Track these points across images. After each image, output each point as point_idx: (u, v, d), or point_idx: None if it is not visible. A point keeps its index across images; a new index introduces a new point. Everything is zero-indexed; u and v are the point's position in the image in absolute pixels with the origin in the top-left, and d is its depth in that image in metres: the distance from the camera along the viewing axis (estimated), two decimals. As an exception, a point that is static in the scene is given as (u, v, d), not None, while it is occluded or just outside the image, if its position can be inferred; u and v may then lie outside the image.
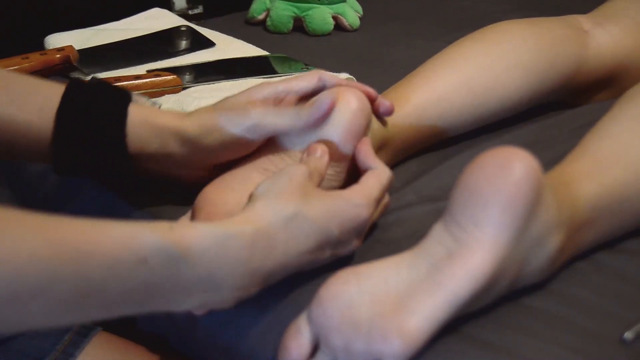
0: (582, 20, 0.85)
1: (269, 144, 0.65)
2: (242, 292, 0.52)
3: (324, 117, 0.62)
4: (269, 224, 0.53)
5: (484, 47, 0.79)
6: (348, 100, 0.63)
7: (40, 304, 0.42)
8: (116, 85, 0.68)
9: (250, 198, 0.56)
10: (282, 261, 0.53)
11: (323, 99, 0.62)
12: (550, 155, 0.66)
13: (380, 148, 0.69)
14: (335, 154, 0.62)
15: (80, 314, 0.46)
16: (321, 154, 0.61)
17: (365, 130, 0.65)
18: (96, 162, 0.62)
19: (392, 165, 0.74)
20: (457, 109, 0.76)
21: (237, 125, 0.62)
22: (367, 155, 0.63)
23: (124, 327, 0.72)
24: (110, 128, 0.61)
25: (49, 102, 0.60)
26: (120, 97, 0.63)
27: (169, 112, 0.64)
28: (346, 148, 0.63)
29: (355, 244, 0.59)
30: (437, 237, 0.53)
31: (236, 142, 0.63)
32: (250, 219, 0.53)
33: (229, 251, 0.50)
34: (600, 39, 0.83)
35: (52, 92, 0.61)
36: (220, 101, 0.64)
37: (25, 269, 0.41)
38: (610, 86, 0.86)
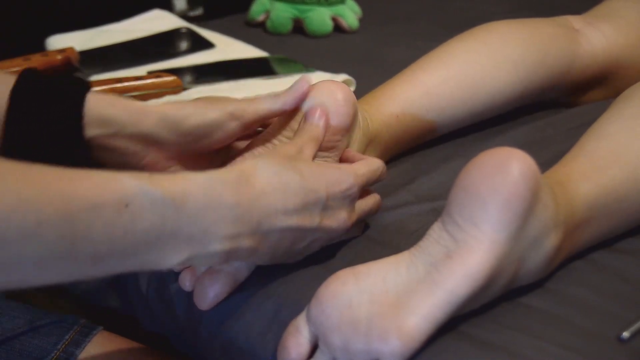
0: (573, 20, 0.85)
1: (262, 137, 0.65)
2: (231, 244, 0.51)
3: (301, 98, 0.64)
4: (255, 173, 0.53)
5: (472, 44, 0.79)
6: (333, 91, 0.64)
7: (30, 248, 0.43)
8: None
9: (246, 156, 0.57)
10: (270, 212, 0.53)
11: (300, 81, 0.64)
12: (548, 155, 0.67)
13: (368, 143, 0.70)
14: (323, 144, 0.63)
15: (71, 264, 0.45)
16: (319, 116, 0.63)
17: (353, 121, 0.65)
18: (51, 142, 0.59)
19: (384, 162, 0.74)
20: (446, 102, 0.75)
21: (217, 110, 0.62)
22: (355, 156, 0.64)
23: (126, 327, 0.73)
24: (67, 105, 0.59)
25: (4, 87, 0.59)
26: (80, 84, 0.61)
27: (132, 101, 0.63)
28: (335, 137, 0.63)
29: (344, 217, 0.59)
30: (436, 237, 0.53)
31: (215, 128, 0.62)
32: (236, 168, 0.53)
33: (214, 194, 0.50)
34: (591, 37, 0.83)
35: (7, 78, 0.59)
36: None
37: (12, 212, 0.42)
38: (604, 84, 0.85)
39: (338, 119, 0.63)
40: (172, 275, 0.65)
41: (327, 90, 0.64)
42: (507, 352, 0.52)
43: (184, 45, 1.04)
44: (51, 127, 0.59)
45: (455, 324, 0.53)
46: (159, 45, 1.03)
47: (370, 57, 1.07)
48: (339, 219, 0.58)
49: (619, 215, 0.61)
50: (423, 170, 0.74)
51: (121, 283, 0.71)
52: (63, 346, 0.67)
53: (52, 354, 0.66)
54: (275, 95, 0.64)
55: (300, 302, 0.57)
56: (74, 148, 0.59)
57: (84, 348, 0.67)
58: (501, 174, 0.52)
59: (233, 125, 0.63)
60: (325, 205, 0.57)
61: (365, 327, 0.51)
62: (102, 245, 0.45)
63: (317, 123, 0.63)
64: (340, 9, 1.14)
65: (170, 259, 0.49)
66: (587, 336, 0.54)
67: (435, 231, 0.54)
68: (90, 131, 0.59)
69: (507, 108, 0.81)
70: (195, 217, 0.49)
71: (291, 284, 0.60)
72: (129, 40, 1.03)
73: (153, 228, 0.47)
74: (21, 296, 0.85)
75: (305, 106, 0.64)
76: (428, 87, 0.75)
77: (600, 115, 0.67)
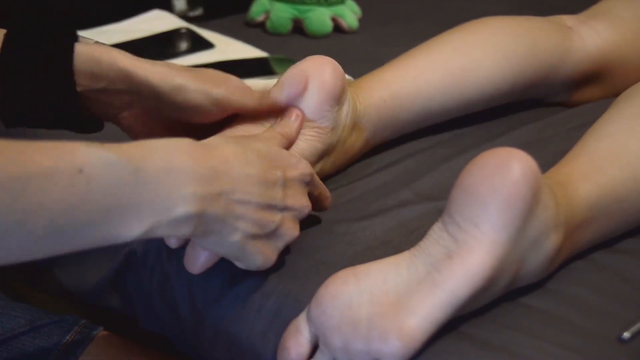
0: (567, 19, 0.85)
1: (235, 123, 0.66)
2: (198, 206, 0.50)
3: (292, 101, 0.64)
4: (217, 145, 0.54)
5: (463, 35, 0.79)
6: (322, 63, 0.65)
7: None
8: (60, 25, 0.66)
9: None
10: (234, 179, 0.52)
11: (292, 80, 0.65)
12: (548, 155, 0.67)
13: (355, 124, 0.70)
14: (312, 113, 0.65)
15: (26, 236, 0.44)
16: (295, 118, 0.64)
17: (341, 93, 0.66)
18: (43, 100, 0.59)
19: (373, 146, 0.75)
20: (435, 89, 0.75)
21: (203, 94, 0.61)
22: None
23: (126, 327, 0.73)
24: (57, 61, 0.59)
25: None
26: (67, 34, 0.61)
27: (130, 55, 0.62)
28: (324, 107, 0.65)
29: (305, 200, 0.59)
30: (436, 237, 0.53)
31: (196, 111, 0.62)
32: (197, 141, 0.53)
33: (175, 157, 0.49)
34: (584, 34, 0.83)
35: None
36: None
37: None
38: (600, 83, 0.85)
39: (327, 88, 0.64)
40: (175, 274, 0.65)
41: (318, 62, 0.65)
42: (507, 352, 0.52)
43: (183, 45, 1.04)
44: (44, 84, 0.59)
45: (456, 324, 0.53)
46: (158, 46, 1.03)
47: (370, 57, 1.07)
48: (301, 200, 0.58)
49: (619, 216, 0.61)
50: (424, 170, 0.74)
51: (122, 282, 0.71)
52: (64, 346, 0.67)
53: (53, 354, 0.66)
54: (266, 92, 0.64)
55: (301, 300, 0.57)
56: (67, 103, 0.59)
57: (84, 348, 0.67)
58: (502, 174, 0.52)
59: (215, 111, 0.63)
60: (285, 184, 0.56)
61: (365, 327, 0.51)
62: (58, 214, 0.44)
63: (291, 121, 0.64)
64: (340, 9, 1.14)
65: (132, 228, 0.47)
66: (587, 336, 0.54)
67: (436, 231, 0.54)
68: (80, 87, 0.60)
69: (498, 100, 0.80)
70: (156, 179, 0.48)
71: (292, 282, 0.60)
72: (129, 41, 1.03)
73: (110, 193, 0.46)
74: (22, 296, 0.85)
75: (285, 92, 0.65)
76: (417, 73, 0.75)
77: (600, 115, 0.67)
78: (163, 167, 0.48)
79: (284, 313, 0.58)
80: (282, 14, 1.13)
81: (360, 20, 1.17)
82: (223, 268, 0.62)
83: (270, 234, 0.55)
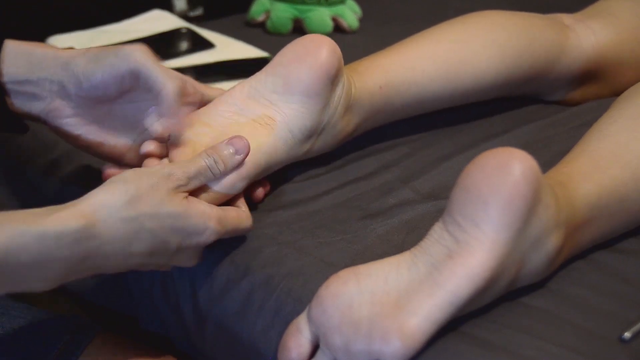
0: (564, 17, 0.85)
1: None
2: (59, 282, 0.52)
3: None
4: (99, 222, 0.52)
5: (460, 26, 0.79)
6: (320, 40, 0.66)
7: None
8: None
9: (109, 181, 0.55)
10: (109, 257, 0.53)
11: (287, 55, 0.66)
12: (548, 155, 0.67)
13: (349, 107, 0.70)
14: (303, 87, 0.65)
15: None
16: (242, 148, 0.61)
17: (337, 73, 0.66)
18: None
19: (364, 131, 0.75)
20: (430, 78, 0.75)
21: (121, 58, 0.60)
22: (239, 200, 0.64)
23: (126, 327, 0.72)
24: None
25: None
26: None
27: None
28: (319, 83, 0.65)
29: (195, 259, 0.59)
30: (437, 237, 0.53)
31: (114, 90, 0.61)
32: (83, 213, 0.52)
33: (46, 252, 0.50)
34: (581, 32, 0.83)
35: None
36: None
37: None
38: (597, 82, 0.85)
39: (323, 65, 0.65)
40: (177, 272, 0.65)
41: (316, 40, 0.66)
42: (508, 352, 0.52)
43: (184, 45, 1.04)
44: None
45: (456, 324, 0.53)
46: (159, 46, 1.02)
47: (370, 57, 1.07)
48: (187, 262, 0.59)
49: (620, 216, 0.61)
50: (424, 169, 0.74)
51: (123, 281, 0.71)
52: (63, 346, 0.66)
53: (53, 354, 0.66)
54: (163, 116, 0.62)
55: (302, 299, 0.57)
56: None
57: (84, 348, 0.67)
58: (503, 174, 0.52)
59: (125, 75, 0.61)
60: (176, 252, 0.57)
61: (366, 327, 0.51)
62: None
63: (232, 153, 0.60)
64: (340, 9, 1.14)
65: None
66: (588, 336, 0.54)
67: (437, 231, 0.54)
68: (5, 77, 0.60)
69: (493, 92, 0.80)
70: (18, 272, 0.50)
71: (292, 281, 0.60)
72: (129, 41, 1.03)
73: None
74: (21, 296, 0.85)
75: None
76: (413, 61, 0.75)
77: (601, 115, 0.67)
78: (29, 264, 0.50)
79: (285, 312, 0.58)
80: (283, 14, 1.13)
81: (361, 20, 1.17)
82: (225, 267, 0.63)
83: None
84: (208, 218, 0.57)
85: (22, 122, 0.64)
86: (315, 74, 0.65)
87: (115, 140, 0.65)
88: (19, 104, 0.62)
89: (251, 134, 0.63)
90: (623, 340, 0.54)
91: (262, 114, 0.66)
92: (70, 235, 0.51)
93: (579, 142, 0.64)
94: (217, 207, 0.59)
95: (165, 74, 0.61)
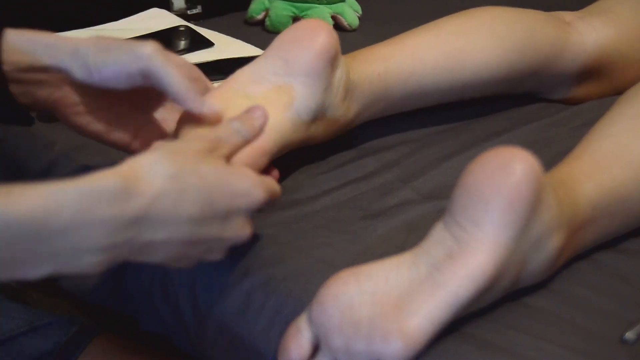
0: (565, 14, 0.86)
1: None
2: (106, 255, 0.48)
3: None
4: (145, 178, 0.49)
5: (462, 19, 0.79)
6: (317, 23, 0.66)
7: None
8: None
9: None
10: (157, 222, 0.49)
11: (285, 39, 0.66)
12: (550, 155, 0.66)
13: (347, 93, 0.70)
14: (303, 67, 0.65)
15: None
16: (259, 116, 0.60)
17: (335, 56, 0.66)
18: None
19: (364, 120, 0.74)
20: (430, 68, 0.75)
21: (131, 51, 0.59)
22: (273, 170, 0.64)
23: (126, 327, 0.72)
24: None
25: None
26: None
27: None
28: (318, 63, 0.65)
29: (246, 229, 0.56)
30: (438, 237, 0.53)
31: (126, 82, 0.60)
32: (123, 173, 0.49)
33: (85, 210, 0.46)
34: (582, 29, 0.83)
35: None
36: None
37: None
38: (596, 79, 0.85)
39: (321, 46, 0.65)
40: (177, 273, 0.65)
41: (314, 24, 0.66)
42: (510, 353, 0.52)
43: (182, 43, 1.04)
44: None
45: (458, 324, 0.53)
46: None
47: (370, 56, 1.07)
48: (241, 232, 0.55)
49: (622, 216, 0.61)
50: (425, 168, 0.74)
51: (123, 282, 0.71)
52: (63, 347, 0.66)
53: (52, 355, 0.66)
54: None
55: (302, 299, 0.57)
56: None
57: (83, 349, 0.67)
58: (504, 174, 0.51)
59: (135, 74, 0.60)
60: (226, 217, 0.53)
61: (366, 328, 0.51)
62: None
63: (254, 118, 0.60)
64: (340, 7, 1.14)
65: (29, 274, 0.46)
66: (589, 337, 0.54)
67: (438, 231, 0.54)
68: (8, 66, 0.58)
69: (493, 87, 0.80)
70: (60, 235, 0.46)
71: (293, 281, 0.60)
72: (127, 39, 1.03)
73: (6, 250, 0.45)
74: (20, 296, 0.85)
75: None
76: (413, 51, 0.75)
77: (602, 114, 0.67)
78: (69, 222, 0.46)
79: (285, 312, 0.58)
80: (282, 12, 1.13)
81: (361, 19, 1.17)
82: (225, 267, 0.62)
83: (193, 257, 0.54)
84: (251, 177, 0.55)
85: (27, 113, 0.63)
86: (314, 55, 0.65)
87: (123, 128, 0.64)
88: (24, 93, 0.61)
89: (238, 144, 0.62)
90: (625, 341, 0.53)
91: (268, 95, 0.65)
92: (110, 191, 0.47)
93: (581, 142, 0.64)
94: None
95: (173, 69, 0.59)
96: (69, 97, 0.62)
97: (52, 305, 0.87)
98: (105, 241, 0.47)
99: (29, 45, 0.59)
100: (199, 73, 0.65)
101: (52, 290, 0.82)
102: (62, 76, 0.61)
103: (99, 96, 0.62)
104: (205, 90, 0.66)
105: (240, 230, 0.55)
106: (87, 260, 0.47)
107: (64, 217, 0.46)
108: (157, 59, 0.59)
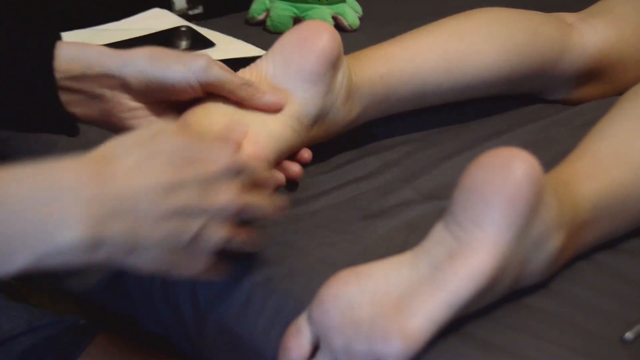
0: (566, 15, 0.86)
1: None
2: (93, 230, 0.45)
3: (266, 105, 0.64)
4: (114, 151, 0.48)
5: (463, 20, 0.79)
6: (320, 26, 0.66)
7: None
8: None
9: None
10: (138, 190, 0.47)
11: (287, 41, 0.66)
12: (550, 155, 0.66)
13: (349, 95, 0.70)
14: (307, 74, 0.65)
15: None
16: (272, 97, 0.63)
17: (337, 59, 0.66)
18: (22, 84, 0.58)
19: (365, 121, 0.75)
20: (431, 69, 0.75)
21: (182, 63, 0.61)
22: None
23: (126, 327, 0.72)
24: (38, 53, 0.58)
25: None
26: (53, 34, 0.61)
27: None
28: (320, 69, 0.65)
29: (232, 193, 0.52)
30: (438, 237, 0.53)
31: (176, 87, 0.61)
32: (89, 154, 0.48)
33: (50, 180, 0.45)
34: (583, 30, 0.83)
35: None
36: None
37: None
38: (598, 80, 0.85)
39: (323, 50, 0.65)
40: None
41: (316, 26, 0.66)
42: (510, 353, 0.52)
43: (183, 43, 1.04)
44: (23, 68, 0.58)
45: (458, 324, 0.53)
46: (158, 44, 1.03)
47: (371, 56, 1.07)
48: (226, 197, 0.51)
49: (622, 216, 0.61)
50: (426, 168, 0.74)
51: (123, 282, 0.71)
52: (63, 347, 0.66)
53: (52, 355, 0.66)
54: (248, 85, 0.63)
55: (303, 299, 0.57)
56: (45, 90, 0.58)
57: (83, 349, 0.67)
58: (505, 174, 0.51)
59: (196, 86, 0.61)
60: (205, 182, 0.50)
61: (367, 328, 0.51)
62: None
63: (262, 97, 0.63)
64: (341, 7, 1.14)
65: (12, 264, 0.44)
66: (589, 337, 0.54)
67: (438, 231, 0.54)
68: (59, 73, 0.59)
69: (494, 88, 0.80)
70: (24, 210, 0.43)
71: (293, 281, 0.60)
72: (129, 39, 1.03)
73: None
74: (21, 296, 0.85)
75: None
76: (415, 53, 0.75)
77: (602, 114, 0.67)
78: (32, 195, 0.44)
79: (285, 312, 0.58)
80: (283, 13, 1.13)
81: (361, 19, 1.17)
82: (225, 267, 0.62)
83: (191, 243, 0.50)
84: (225, 146, 0.53)
85: (74, 123, 0.63)
86: (316, 59, 0.65)
87: None
88: (75, 102, 0.61)
89: (260, 121, 0.63)
90: (625, 341, 0.53)
91: None
92: (82, 162, 0.47)
93: (581, 142, 0.64)
94: None
95: (231, 76, 0.63)
96: (124, 103, 0.62)
97: (52, 305, 0.87)
98: (80, 213, 0.45)
99: (81, 54, 0.60)
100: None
101: (52, 290, 0.82)
102: (116, 83, 0.61)
103: (153, 104, 0.63)
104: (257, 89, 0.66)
105: (224, 196, 0.51)
106: (69, 237, 0.44)
107: (23, 190, 0.44)
108: (214, 68, 0.61)
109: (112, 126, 0.63)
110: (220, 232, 0.51)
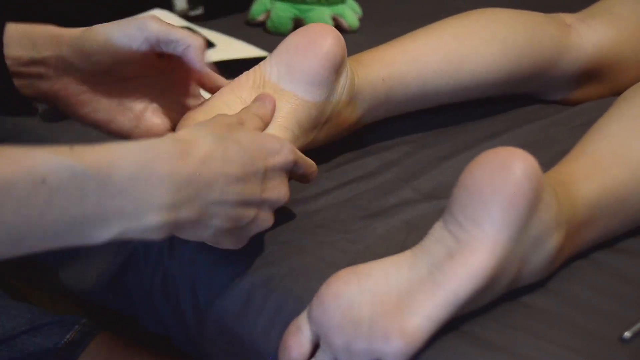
0: (565, 16, 0.86)
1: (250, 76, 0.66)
2: (169, 215, 0.48)
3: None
4: (194, 142, 0.51)
5: (463, 21, 0.79)
6: (324, 29, 0.66)
7: None
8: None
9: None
10: (211, 181, 0.51)
11: (292, 44, 0.66)
12: (550, 155, 0.67)
13: (351, 98, 0.70)
14: (311, 78, 0.65)
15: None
16: (269, 101, 0.64)
17: (341, 62, 0.67)
18: None
19: (366, 123, 0.75)
20: (433, 71, 0.75)
21: (135, 25, 0.62)
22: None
23: (126, 327, 0.72)
24: None
25: None
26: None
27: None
28: (324, 72, 0.65)
29: (285, 189, 0.58)
30: (438, 237, 0.53)
31: (120, 52, 0.61)
32: (172, 137, 0.51)
33: (146, 164, 0.47)
34: (582, 31, 0.83)
35: None
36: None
37: None
38: (599, 81, 0.85)
39: (327, 54, 0.65)
40: (177, 272, 0.65)
41: (321, 29, 0.66)
42: (509, 352, 0.52)
43: (184, 44, 1.04)
44: None
45: (457, 323, 0.53)
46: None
47: (371, 57, 1.07)
48: (279, 191, 0.57)
49: (621, 216, 0.61)
50: (425, 168, 0.74)
51: (123, 281, 0.71)
52: (63, 346, 0.66)
53: (53, 354, 0.66)
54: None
55: (303, 298, 0.57)
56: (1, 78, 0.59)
57: (84, 348, 0.67)
58: (504, 173, 0.52)
59: (141, 46, 0.61)
60: (265, 175, 0.55)
61: (367, 327, 0.51)
62: (17, 225, 0.43)
63: (265, 104, 0.64)
64: (340, 8, 1.14)
65: (99, 235, 0.46)
66: (588, 336, 0.54)
67: (437, 230, 0.54)
68: (10, 59, 0.59)
69: (494, 89, 0.80)
70: (124, 189, 0.46)
71: (293, 280, 0.60)
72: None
73: (75, 204, 0.45)
74: (22, 295, 0.85)
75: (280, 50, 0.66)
76: (415, 55, 0.75)
77: (601, 114, 0.67)
78: (132, 175, 0.47)
79: (285, 311, 0.58)
80: (283, 14, 1.13)
81: (361, 20, 1.17)
82: (226, 266, 0.62)
83: (244, 226, 0.55)
84: (279, 139, 0.58)
85: (30, 105, 0.64)
86: (319, 63, 0.65)
87: (124, 118, 0.65)
88: (27, 86, 0.61)
89: (259, 125, 0.63)
90: (623, 340, 0.54)
91: None
92: (168, 149, 0.49)
93: (580, 141, 0.64)
94: None
95: (184, 31, 0.62)
96: (70, 87, 0.63)
97: (52, 305, 0.87)
98: (166, 198, 0.48)
99: (27, 39, 0.60)
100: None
101: (52, 290, 0.82)
102: (62, 66, 0.61)
103: (101, 84, 0.63)
104: (213, 85, 0.67)
105: (279, 189, 0.57)
106: (151, 220, 0.48)
107: (127, 170, 0.47)
108: (161, 24, 0.62)
109: (63, 110, 0.64)
110: (269, 220, 0.57)
